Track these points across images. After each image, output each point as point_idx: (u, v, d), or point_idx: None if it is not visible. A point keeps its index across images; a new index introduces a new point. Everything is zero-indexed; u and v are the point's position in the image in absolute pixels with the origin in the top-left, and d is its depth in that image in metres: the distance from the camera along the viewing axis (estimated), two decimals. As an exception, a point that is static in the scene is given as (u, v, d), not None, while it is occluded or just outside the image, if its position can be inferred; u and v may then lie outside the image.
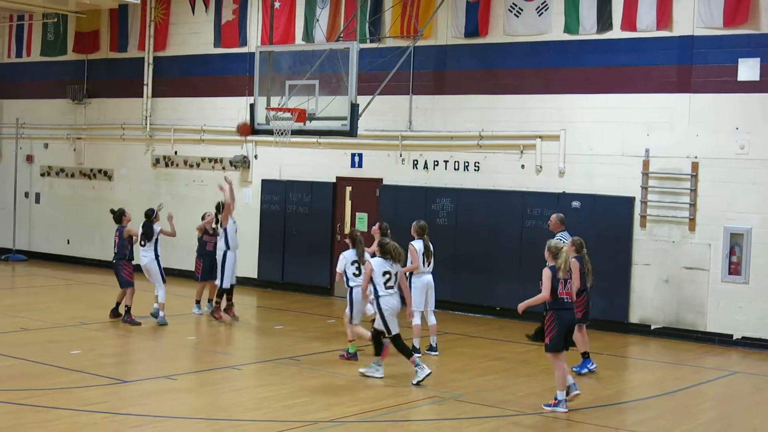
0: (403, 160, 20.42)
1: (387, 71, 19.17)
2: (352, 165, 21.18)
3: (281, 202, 21.99)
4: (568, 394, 11.90)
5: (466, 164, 19.65)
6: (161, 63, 24.41)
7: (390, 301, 13.19)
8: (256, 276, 22.35)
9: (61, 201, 26.38)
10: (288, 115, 18.77)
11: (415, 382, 12.97)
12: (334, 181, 21.38)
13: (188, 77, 23.87)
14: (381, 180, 20.71)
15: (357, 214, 21.03)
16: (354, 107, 17.94)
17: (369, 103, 18.76)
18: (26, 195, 27.19)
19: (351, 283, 14.24)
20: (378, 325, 13.29)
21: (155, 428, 10.67)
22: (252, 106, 19.43)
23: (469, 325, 18.16)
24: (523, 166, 19.07)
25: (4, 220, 27.38)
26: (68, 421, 10.96)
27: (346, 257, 14.33)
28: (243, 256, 22.08)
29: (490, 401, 12.29)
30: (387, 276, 13.25)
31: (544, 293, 11.83)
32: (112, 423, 10.85)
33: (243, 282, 22.14)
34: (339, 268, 14.40)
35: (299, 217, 21.69)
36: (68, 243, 26.05)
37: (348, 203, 21.18)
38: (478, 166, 19.52)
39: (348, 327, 14.50)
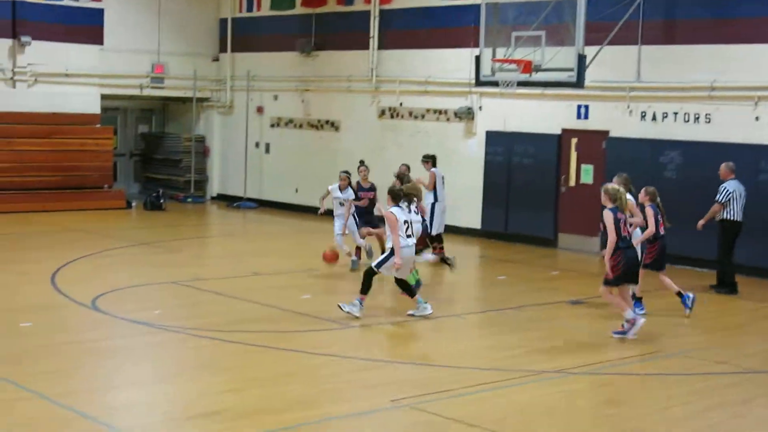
0: (630, 111, 19.93)
1: (615, 21, 18.72)
2: (578, 117, 20.82)
3: (505, 154, 21.89)
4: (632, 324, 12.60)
5: (697, 116, 19.00)
6: (387, 16, 24.63)
7: (406, 252, 13.38)
8: (479, 227, 22.39)
9: (289, 151, 27.10)
10: (514, 66, 18.66)
11: (410, 312, 13.52)
12: (559, 133, 21.10)
13: (413, 30, 24.01)
14: (607, 132, 20.30)
15: (582, 166, 20.72)
16: (581, 58, 17.63)
17: (596, 54, 18.38)
18: (257, 145, 28.10)
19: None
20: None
21: (378, 373, 10.89)
22: (477, 58, 19.40)
23: (700, 281, 17.64)
24: (757, 119, 18.30)
25: (235, 169, 28.39)
26: (297, 362, 11.33)
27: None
28: (466, 207, 22.26)
29: (720, 357, 11.97)
30: (406, 225, 13.40)
31: (612, 236, 12.39)
32: (338, 366, 11.15)
33: (466, 233, 22.27)
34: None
35: (523, 168, 21.55)
36: (296, 192, 26.80)
37: (573, 155, 20.88)
38: (709, 118, 18.84)
39: None
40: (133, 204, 26.45)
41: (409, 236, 13.40)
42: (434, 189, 18.67)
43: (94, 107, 26.81)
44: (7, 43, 25.39)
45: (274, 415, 9.21)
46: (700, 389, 10.69)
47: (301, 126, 26.92)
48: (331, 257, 16.61)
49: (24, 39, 25.43)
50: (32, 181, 25.12)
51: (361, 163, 18.12)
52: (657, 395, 10.33)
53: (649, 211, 14.04)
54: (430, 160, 18.97)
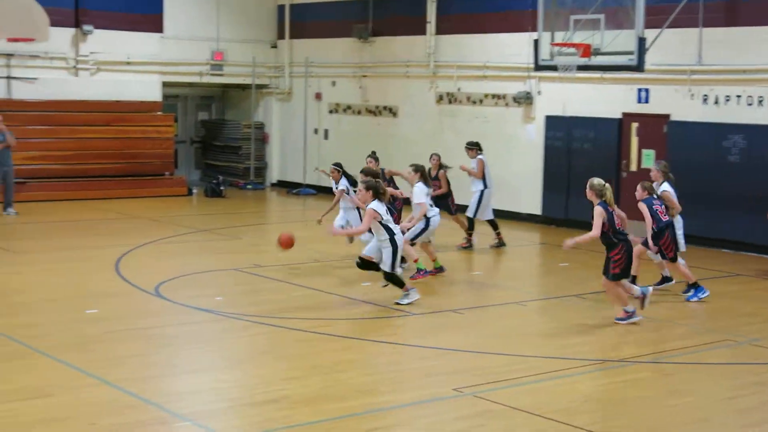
0: (692, 95, 19.66)
1: (676, 3, 18.51)
2: (639, 101, 20.60)
3: (565, 139, 21.75)
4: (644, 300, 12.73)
5: (761, 99, 18.72)
6: (444, 0, 24.56)
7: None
8: (540, 212, 22.27)
9: (347, 137, 27.15)
10: (573, 50, 18.52)
11: (397, 302, 13.40)
12: (620, 117, 20.90)
13: (471, 14, 23.90)
14: (668, 116, 20.06)
15: (643, 150, 20.51)
16: (641, 41, 17.46)
17: (657, 37, 18.18)
18: (315, 131, 28.19)
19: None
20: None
21: (439, 361, 10.90)
22: (536, 42, 19.28)
23: (762, 265, 17.42)
24: (823, 101, 18.03)
25: (294, 156, 28.51)
26: (358, 350, 11.38)
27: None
28: (526, 193, 22.17)
29: (786, 347, 11.82)
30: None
31: (595, 231, 12.42)
32: (399, 354, 11.18)
33: (526, 218, 22.18)
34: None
35: (583, 153, 21.39)
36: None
37: (634, 140, 20.68)
38: (774, 101, 18.59)
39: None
40: (194, 191, 26.70)
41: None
42: (483, 176, 18.61)
43: (155, 95, 27.09)
44: (69, 32, 25.68)
45: (336, 403, 9.25)
46: None
47: (359, 112, 26.96)
48: (287, 242, 14.89)
49: (86, 28, 25.73)
50: (95, 168, 25.43)
51: (372, 154, 17.79)
52: (723, 385, 10.23)
53: (642, 206, 13.97)
54: (475, 147, 18.83)
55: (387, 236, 13.22)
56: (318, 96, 28.04)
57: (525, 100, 22.40)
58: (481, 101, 23.63)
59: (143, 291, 14.06)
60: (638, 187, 14.23)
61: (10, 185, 21.91)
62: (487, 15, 23.46)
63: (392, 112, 26.02)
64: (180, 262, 16.64)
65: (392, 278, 13.36)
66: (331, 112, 27.78)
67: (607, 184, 12.76)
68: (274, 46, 29.14)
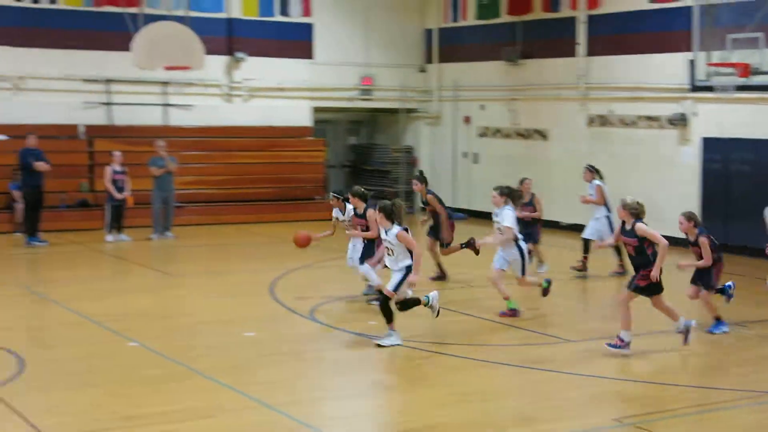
0: None
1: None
2: (802, 121, 19.92)
3: (723, 161, 21.13)
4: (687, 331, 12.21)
5: None
6: (595, 21, 24.25)
7: None
8: (694, 237, 21.65)
9: (497, 160, 27.00)
10: (730, 70, 18.07)
11: (379, 342, 12.24)
12: (782, 138, 20.21)
13: (623, 35, 23.53)
14: (834, 137, 19.34)
15: (809, 173, 19.80)
16: (804, 60, 16.94)
17: (821, 55, 17.62)
18: (464, 155, 28.15)
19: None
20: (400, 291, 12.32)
21: (600, 389, 10.68)
22: (692, 62, 18.89)
23: None
24: None
25: (444, 180, 28.47)
26: (515, 377, 11.23)
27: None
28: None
29: None
30: None
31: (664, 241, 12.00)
32: (558, 381, 10.98)
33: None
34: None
35: (743, 176, 20.72)
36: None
37: (799, 162, 19.96)
38: None
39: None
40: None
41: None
42: (604, 201, 17.99)
43: (306, 120, 27.51)
44: (223, 59, 26.31)
45: (495, 431, 9.14)
46: None
47: (508, 135, 26.81)
48: (303, 240, 15.11)
49: (239, 55, 26.32)
50: (248, 193, 25.93)
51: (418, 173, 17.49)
52: None
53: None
54: (593, 171, 18.34)
55: (408, 263, 12.25)
56: (467, 119, 28.00)
57: (680, 121, 21.89)
58: (633, 123, 23.21)
59: (298, 315, 14.20)
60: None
61: (170, 210, 22.50)
62: (639, 35, 23.06)
63: (542, 135, 25.79)
64: (332, 285, 16.77)
65: (385, 306, 12.20)
66: (480, 135, 27.69)
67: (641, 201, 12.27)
68: (423, 70, 29.25)
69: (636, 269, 12.15)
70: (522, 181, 18.14)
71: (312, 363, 11.71)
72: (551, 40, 25.44)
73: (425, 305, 12.55)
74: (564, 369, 11.44)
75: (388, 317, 12.21)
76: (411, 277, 12.19)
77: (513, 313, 14.10)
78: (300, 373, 11.18)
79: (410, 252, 12.19)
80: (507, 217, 14.20)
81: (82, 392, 10.28)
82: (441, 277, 17.14)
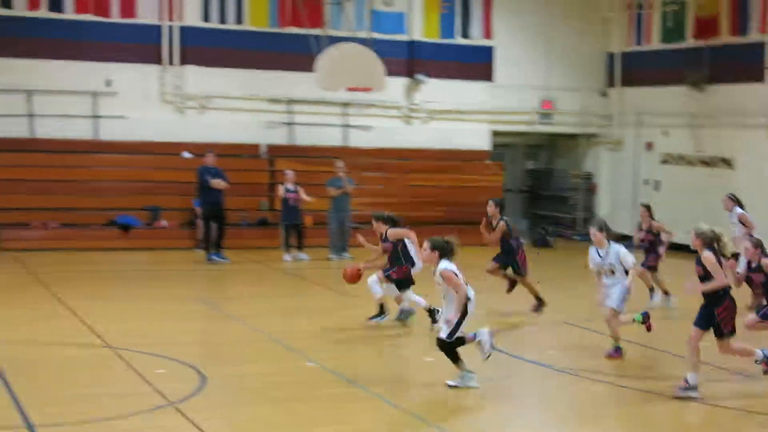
0: None
1: None
2: None
3: None
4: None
5: None
6: (786, 45, 23.43)
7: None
8: None
9: (680, 189, 26.21)
10: None
11: (452, 384, 11.14)
12: None
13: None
14: None
15: None
16: None
17: None
18: (646, 182, 27.47)
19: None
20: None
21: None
22: None
23: None
24: None
25: (624, 207, 27.77)
26: (702, 415, 10.75)
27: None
28: None
29: None
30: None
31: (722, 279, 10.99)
32: (746, 420, 10.47)
33: None
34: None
35: None
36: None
37: None
38: None
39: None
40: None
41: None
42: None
43: (484, 143, 27.39)
44: (403, 81, 26.45)
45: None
46: None
47: (692, 163, 26.03)
48: (352, 276, 14.76)
49: (419, 77, 26.41)
50: (425, 216, 25.86)
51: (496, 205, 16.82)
52: None
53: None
54: (735, 201, 17.96)
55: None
56: (649, 146, 27.35)
57: None
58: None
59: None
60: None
61: (346, 230, 22.69)
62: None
63: (728, 163, 24.94)
64: (514, 311, 16.49)
65: (449, 347, 11.22)
66: (662, 162, 26.99)
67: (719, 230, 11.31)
68: (604, 95, 28.75)
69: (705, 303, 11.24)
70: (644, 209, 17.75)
71: (490, 391, 11.37)
72: (738, 64, 24.62)
73: (474, 343, 11.31)
74: (754, 407, 10.89)
75: (454, 358, 11.19)
76: (449, 315, 11.12)
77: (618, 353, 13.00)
78: (477, 402, 10.98)
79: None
80: (626, 256, 12.76)
81: (261, 408, 10.37)
82: (539, 305, 16.46)
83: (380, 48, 24.35)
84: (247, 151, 25.50)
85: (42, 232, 23.24)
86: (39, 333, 13.85)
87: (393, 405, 10.49)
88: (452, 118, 27.03)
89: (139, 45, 25.03)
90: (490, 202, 16.70)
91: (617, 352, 12.94)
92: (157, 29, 25.09)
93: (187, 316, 15.51)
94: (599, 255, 12.85)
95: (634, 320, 13.00)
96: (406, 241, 14.81)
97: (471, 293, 11.15)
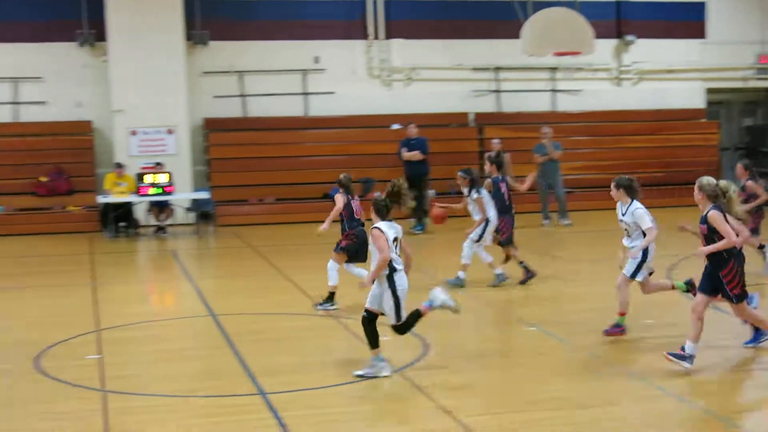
0: None
1: None
2: None
3: None
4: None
5: None
6: None
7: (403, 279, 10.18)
8: None
9: None
10: None
11: (357, 373, 10.08)
12: None
13: None
14: None
15: None
16: None
17: None
18: None
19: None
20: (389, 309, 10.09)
21: None
22: None
23: None
24: None
25: None
26: None
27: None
28: None
29: None
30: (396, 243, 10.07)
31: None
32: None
33: None
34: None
35: None
36: None
37: None
38: None
39: None
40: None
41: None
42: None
43: (699, 102, 26.54)
44: (612, 43, 25.90)
45: None
46: None
47: None
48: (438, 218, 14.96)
49: (628, 38, 25.79)
50: (641, 178, 25.20)
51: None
52: None
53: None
54: (748, 169, 16.06)
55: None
56: None
57: None
58: None
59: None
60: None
61: (560, 196, 22.39)
62: None
63: None
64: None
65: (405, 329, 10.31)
66: None
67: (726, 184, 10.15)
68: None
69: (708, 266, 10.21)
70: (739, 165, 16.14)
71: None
72: None
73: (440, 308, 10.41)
74: None
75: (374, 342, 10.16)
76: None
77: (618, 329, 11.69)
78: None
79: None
80: (640, 215, 11.36)
81: (485, 375, 10.34)
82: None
83: (587, 10, 23.85)
84: (455, 119, 25.55)
85: (257, 207, 23.98)
86: (263, 304, 14.26)
87: (621, 371, 10.26)
88: (664, 77, 26.30)
89: (345, 21, 25.45)
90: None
91: (616, 328, 11.68)
92: (361, 5, 25.48)
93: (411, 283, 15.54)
94: (621, 212, 11.58)
95: (674, 287, 11.87)
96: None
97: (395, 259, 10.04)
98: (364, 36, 25.57)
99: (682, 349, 10.04)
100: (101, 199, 21.85)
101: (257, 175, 24.37)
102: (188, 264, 18.94)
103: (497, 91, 25.82)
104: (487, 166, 15.77)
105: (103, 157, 23.93)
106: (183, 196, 22.76)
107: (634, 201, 11.48)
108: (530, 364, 10.66)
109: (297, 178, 24.49)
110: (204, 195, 22.80)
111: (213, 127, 24.84)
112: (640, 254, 11.36)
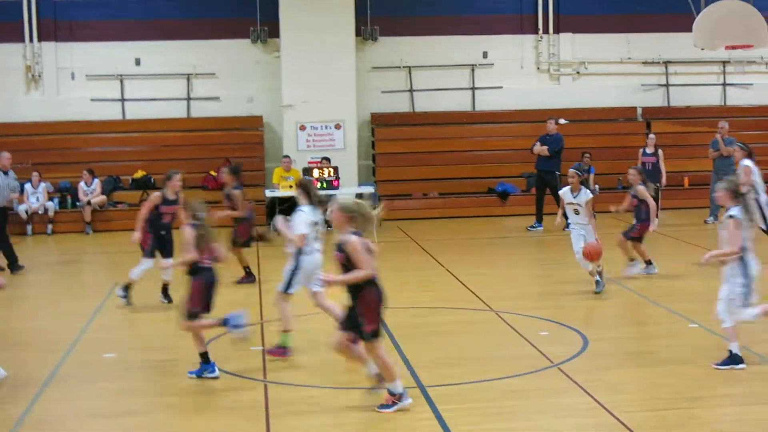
0: None
1: None
2: None
3: None
4: None
5: None
6: None
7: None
8: None
9: None
10: None
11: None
12: None
13: None
14: None
15: None
16: None
17: None
18: None
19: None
20: None
21: None
22: None
23: None
24: None
25: None
26: None
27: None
28: None
29: None
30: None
31: None
32: None
33: None
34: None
35: None
36: None
37: None
38: None
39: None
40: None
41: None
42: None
43: None
44: (788, 34, 25.04)
45: None
46: None
47: None
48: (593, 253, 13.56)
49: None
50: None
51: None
52: None
53: None
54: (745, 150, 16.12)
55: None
56: None
57: None
58: None
59: None
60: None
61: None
62: None
63: None
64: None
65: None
66: None
67: None
68: None
69: None
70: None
71: None
72: None
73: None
74: None
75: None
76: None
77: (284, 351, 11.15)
78: None
79: None
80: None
81: (643, 371, 10.28)
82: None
83: (760, 3, 23.14)
84: (623, 114, 25.24)
85: (421, 202, 24.14)
86: (426, 298, 14.43)
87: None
88: None
89: (515, 16, 25.45)
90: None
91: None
92: (532, -1, 25.48)
93: (566, 279, 15.50)
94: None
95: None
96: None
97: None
98: (533, 30, 25.52)
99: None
100: (269, 193, 22.39)
101: (422, 169, 24.58)
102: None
103: (666, 85, 25.36)
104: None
105: (272, 151, 24.56)
106: (349, 190, 23.10)
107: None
108: (691, 361, 10.49)
109: (462, 172, 24.59)
110: (369, 189, 23.15)
111: (380, 122, 25.16)
112: None
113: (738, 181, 10.30)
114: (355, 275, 8.80)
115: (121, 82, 24.97)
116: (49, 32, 24.66)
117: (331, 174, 21.59)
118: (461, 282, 15.37)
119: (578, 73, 25.42)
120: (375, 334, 8.93)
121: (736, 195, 9.99)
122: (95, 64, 24.78)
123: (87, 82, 24.83)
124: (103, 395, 10.01)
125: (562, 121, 24.40)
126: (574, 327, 11.97)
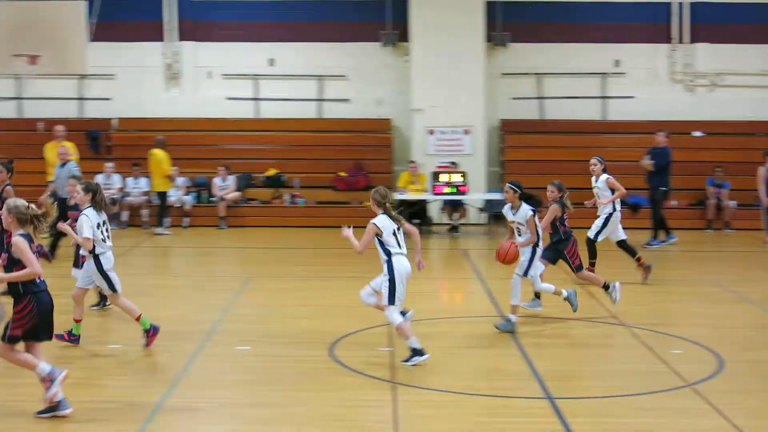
0: None
1: None
2: None
3: None
4: None
5: None
6: None
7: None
8: None
9: None
10: None
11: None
12: None
13: None
14: None
15: None
16: None
17: None
18: None
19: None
20: None
21: None
22: None
23: None
24: None
25: None
26: None
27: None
28: None
29: None
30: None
31: None
32: None
33: None
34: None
35: None
36: None
37: None
38: None
39: None
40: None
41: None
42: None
43: None
44: None
45: None
46: None
47: None
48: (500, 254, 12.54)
49: None
50: None
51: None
52: None
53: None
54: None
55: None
56: None
57: None
58: None
59: None
60: None
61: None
62: None
63: None
64: None
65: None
66: None
67: None
68: None
69: None
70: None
71: None
72: None
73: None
74: None
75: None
76: None
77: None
78: None
79: None
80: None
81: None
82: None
83: None
84: (761, 128, 24.54)
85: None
86: (553, 308, 14.16)
87: None
88: None
89: (648, 24, 25.05)
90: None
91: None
92: (666, 7, 24.99)
93: (702, 298, 15.17)
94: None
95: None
96: None
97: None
98: (667, 39, 25.03)
99: None
100: (396, 197, 22.41)
101: (551, 178, 24.16)
102: (479, 264, 19.13)
103: (806, 98, 24.65)
104: None
105: (400, 154, 24.61)
106: (477, 196, 23.04)
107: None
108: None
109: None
110: (497, 196, 22.96)
111: (509, 128, 25.00)
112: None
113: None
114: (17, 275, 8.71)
115: (256, 81, 25.37)
116: (188, 32, 25.27)
117: (460, 179, 21.60)
118: (589, 292, 15.08)
119: (714, 84, 24.83)
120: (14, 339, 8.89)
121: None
122: (231, 63, 25.28)
123: (223, 81, 25.34)
124: (236, 386, 10.14)
125: (696, 133, 23.90)
126: (707, 346, 11.65)
